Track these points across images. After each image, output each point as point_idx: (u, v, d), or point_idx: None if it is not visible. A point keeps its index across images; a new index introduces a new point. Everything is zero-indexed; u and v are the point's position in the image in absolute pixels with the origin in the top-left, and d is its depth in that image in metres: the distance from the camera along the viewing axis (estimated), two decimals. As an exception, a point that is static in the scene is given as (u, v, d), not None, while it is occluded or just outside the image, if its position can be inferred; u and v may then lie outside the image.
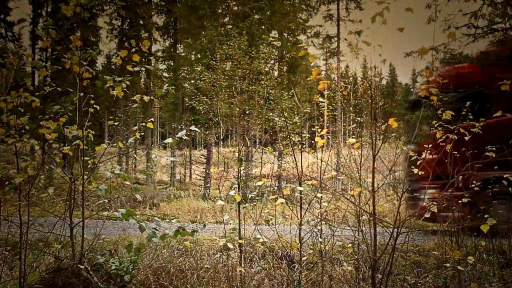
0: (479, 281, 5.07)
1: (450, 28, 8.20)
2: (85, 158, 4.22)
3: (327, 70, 29.38)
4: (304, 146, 16.25)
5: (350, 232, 4.82)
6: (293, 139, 10.01)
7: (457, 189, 3.82)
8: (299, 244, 4.59)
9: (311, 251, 5.02)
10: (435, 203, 3.72)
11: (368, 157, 5.50)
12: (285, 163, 16.88)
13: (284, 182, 17.41)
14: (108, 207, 9.94)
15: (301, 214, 4.60)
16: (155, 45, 25.47)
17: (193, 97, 15.92)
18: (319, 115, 22.88)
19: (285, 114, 14.44)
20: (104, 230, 6.71)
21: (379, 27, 3.12)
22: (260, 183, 4.49)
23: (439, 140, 3.79)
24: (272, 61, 19.24)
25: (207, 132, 18.10)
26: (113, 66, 28.07)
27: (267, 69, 17.08)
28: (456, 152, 4.17)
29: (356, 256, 5.12)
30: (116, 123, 24.79)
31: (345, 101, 16.00)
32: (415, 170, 3.62)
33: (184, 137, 4.17)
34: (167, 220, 9.16)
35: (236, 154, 17.24)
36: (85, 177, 4.06)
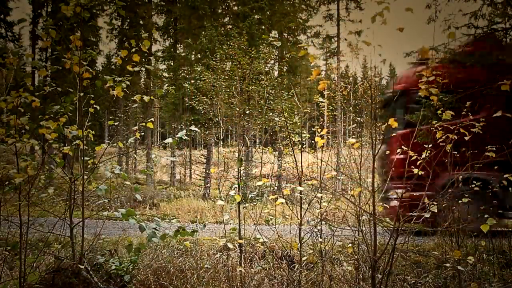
0: (479, 281, 5.07)
1: (450, 28, 8.19)
2: (85, 158, 4.22)
3: (327, 70, 29.37)
4: (304, 146, 16.25)
5: (350, 232, 4.82)
6: (293, 139, 10.00)
7: (427, 189, 3.86)
8: (299, 244, 4.59)
9: (311, 251, 5.02)
10: (435, 203, 3.73)
11: (368, 157, 5.50)
12: (285, 163, 16.88)
13: (284, 182, 17.41)
14: (108, 207, 9.93)
15: (301, 214, 4.60)
16: (155, 45, 25.49)
17: (193, 97, 15.91)
18: (319, 115, 22.88)
19: (285, 114, 14.44)
20: (104, 230, 6.71)
21: (379, 27, 3.13)
22: (260, 183, 4.49)
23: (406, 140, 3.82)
24: (272, 61, 19.24)
25: (207, 132, 18.10)
26: (113, 66, 28.06)
27: (267, 69, 17.08)
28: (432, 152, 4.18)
29: (356, 256, 5.12)
30: (116, 123, 24.79)
31: (345, 101, 16.00)
32: (415, 170, 3.61)
33: (184, 137, 4.18)
34: (167, 220, 9.16)
35: (236, 154, 17.23)
36: (85, 177, 4.06)
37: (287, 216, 9.47)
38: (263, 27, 18.62)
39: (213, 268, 5.48)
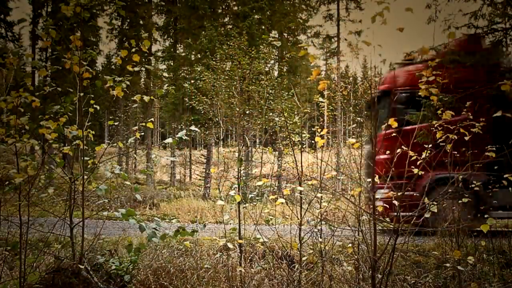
0: (479, 281, 5.07)
1: (450, 28, 8.19)
2: (85, 158, 4.22)
3: (327, 70, 29.40)
4: (304, 146, 16.25)
5: (350, 232, 4.82)
6: (293, 139, 10.01)
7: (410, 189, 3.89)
8: (299, 244, 4.59)
9: (311, 251, 5.02)
10: (435, 203, 3.72)
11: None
12: (285, 163, 16.88)
13: (284, 182, 17.41)
14: (108, 207, 9.92)
15: (301, 214, 4.60)
16: (155, 45, 25.50)
17: (193, 97, 15.91)
18: (319, 115, 22.89)
19: (285, 114, 14.44)
20: (104, 230, 6.71)
21: (379, 27, 3.13)
22: (260, 183, 4.49)
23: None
24: (272, 61, 19.25)
25: (207, 132, 18.10)
26: (113, 66, 28.05)
27: (267, 69, 17.09)
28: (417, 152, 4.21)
29: (356, 256, 5.12)
30: (116, 123, 24.78)
31: (345, 101, 16.01)
32: (415, 170, 3.61)
33: (184, 137, 4.18)
34: (167, 220, 9.17)
35: (236, 154, 17.23)
36: (85, 177, 4.06)
37: (287, 216, 9.47)
38: (263, 27, 18.62)
39: (213, 268, 5.48)
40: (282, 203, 4.01)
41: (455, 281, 4.98)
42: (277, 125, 14.35)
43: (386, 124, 3.77)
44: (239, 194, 4.19)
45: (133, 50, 4.13)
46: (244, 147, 16.08)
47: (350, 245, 4.50)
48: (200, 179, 22.13)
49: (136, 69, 4.30)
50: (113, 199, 12.44)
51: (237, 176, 5.15)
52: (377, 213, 3.98)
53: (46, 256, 5.46)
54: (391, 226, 3.60)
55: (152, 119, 4.53)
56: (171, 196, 15.71)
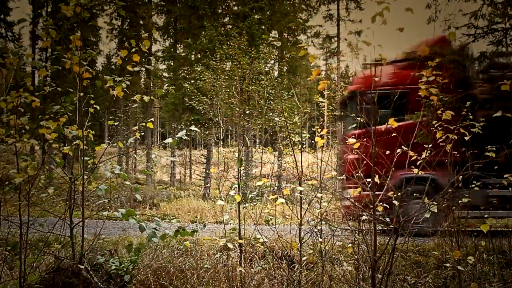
0: (479, 281, 5.07)
1: (450, 28, 8.20)
2: (85, 158, 4.22)
3: (327, 70, 29.42)
4: (304, 146, 16.25)
5: (350, 232, 4.82)
6: (293, 139, 10.01)
7: (378, 189, 3.93)
8: (299, 244, 4.59)
9: (311, 251, 5.02)
10: (435, 203, 3.73)
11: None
12: (285, 163, 16.87)
13: (284, 182, 17.41)
14: (108, 207, 9.93)
15: (301, 214, 4.60)
16: (155, 45, 25.51)
17: (193, 97, 15.91)
18: (319, 115, 22.88)
19: (285, 114, 14.44)
20: (104, 230, 6.71)
21: (379, 27, 3.13)
22: (260, 183, 4.49)
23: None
24: (272, 61, 19.25)
25: (207, 132, 18.10)
26: (113, 66, 28.09)
27: (267, 69, 17.08)
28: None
29: (356, 256, 5.12)
30: (116, 123, 24.79)
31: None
32: (415, 170, 3.61)
33: (184, 137, 4.17)
34: (167, 220, 9.18)
35: (236, 154, 17.23)
36: (85, 177, 4.06)
37: (287, 216, 9.47)
38: (263, 27, 18.62)
39: (213, 268, 5.48)
40: (282, 203, 4.01)
41: (455, 281, 4.97)
42: (277, 125, 14.35)
43: (354, 124, 3.81)
44: (239, 194, 4.19)
45: (133, 50, 4.13)
46: (244, 147, 16.08)
47: (350, 245, 4.50)
48: (200, 179, 22.14)
49: (136, 69, 4.30)
50: (113, 199, 12.44)
51: (237, 176, 5.15)
52: (345, 212, 4.02)
53: (46, 256, 5.46)
54: (391, 226, 3.60)
55: (152, 119, 4.53)
56: (171, 196, 15.71)
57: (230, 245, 4.25)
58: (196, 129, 4.95)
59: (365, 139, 3.83)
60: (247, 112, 14.81)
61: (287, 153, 14.15)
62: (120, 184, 10.97)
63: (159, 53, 24.37)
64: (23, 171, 3.89)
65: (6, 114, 3.99)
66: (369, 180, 3.56)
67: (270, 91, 14.76)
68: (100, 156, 4.44)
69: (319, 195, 4.72)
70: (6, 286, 4.76)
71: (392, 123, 3.47)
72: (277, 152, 18.13)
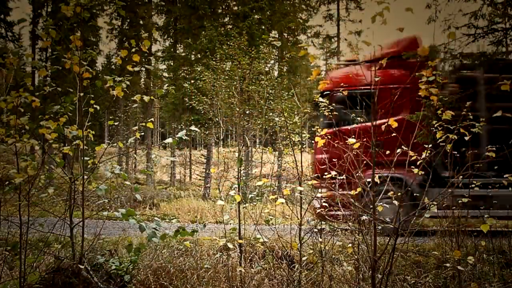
0: (479, 281, 5.06)
1: (450, 28, 8.20)
2: (85, 158, 4.22)
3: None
4: (304, 146, 16.25)
5: (350, 232, 4.82)
6: (293, 139, 10.01)
7: (347, 188, 3.95)
8: (299, 244, 4.59)
9: (311, 251, 5.02)
10: (435, 202, 3.72)
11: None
12: (285, 163, 16.87)
13: (284, 182, 17.41)
14: (108, 207, 9.93)
15: (301, 214, 4.60)
16: (155, 45, 25.52)
17: (193, 97, 15.91)
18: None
19: (285, 114, 14.44)
20: (104, 230, 6.71)
21: (379, 27, 3.13)
22: (260, 183, 4.49)
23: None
24: (272, 61, 19.25)
25: (207, 132, 18.10)
26: (113, 66, 28.08)
27: (267, 69, 17.08)
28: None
29: (356, 256, 5.12)
30: (116, 123, 24.78)
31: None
32: (417, 170, 3.61)
33: (184, 137, 4.17)
34: (167, 220, 9.17)
35: (236, 154, 17.23)
36: (85, 177, 4.06)
37: (287, 216, 9.47)
38: (263, 27, 18.62)
39: (213, 268, 5.48)
40: (282, 203, 4.01)
41: (455, 281, 4.97)
42: (277, 125, 14.34)
43: (324, 123, 3.86)
44: (239, 194, 4.19)
45: (133, 50, 4.13)
46: (244, 147, 16.07)
47: (350, 245, 4.50)
48: (200, 179, 22.14)
49: (136, 69, 4.30)
50: (113, 199, 12.44)
51: (237, 176, 5.15)
52: (316, 211, 4.05)
53: (46, 256, 5.46)
54: (391, 226, 3.60)
55: (152, 119, 4.53)
56: (171, 196, 15.71)
57: (230, 245, 4.25)
58: (196, 129, 4.95)
59: (334, 139, 3.87)
60: (247, 112, 14.81)
61: (287, 153, 14.16)
62: (120, 184, 10.96)
63: (159, 53, 24.39)
64: (23, 171, 3.89)
65: (6, 114, 3.99)
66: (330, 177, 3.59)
67: (270, 91, 14.76)
68: (100, 156, 4.44)
69: (319, 195, 4.71)
70: (6, 286, 4.76)
71: (392, 123, 3.47)
72: (277, 152, 18.13)
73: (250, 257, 6.22)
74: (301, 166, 4.67)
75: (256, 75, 14.71)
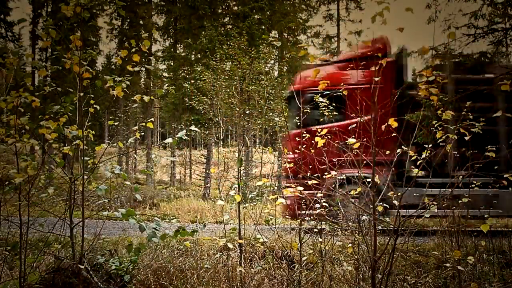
0: (479, 281, 5.06)
1: (450, 28, 8.22)
2: (85, 158, 4.22)
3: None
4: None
5: (350, 232, 4.82)
6: (293, 139, 10.00)
7: (314, 188, 3.99)
8: (299, 244, 4.59)
9: (311, 251, 5.02)
10: (435, 202, 3.72)
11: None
12: (285, 163, 16.85)
13: (284, 182, 17.39)
14: (108, 207, 9.93)
15: (301, 214, 4.60)
16: (155, 45, 25.52)
17: (193, 97, 15.91)
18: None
19: (285, 114, 14.43)
20: (104, 230, 6.71)
21: (379, 27, 3.14)
22: (260, 183, 4.49)
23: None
24: (272, 61, 19.24)
25: (207, 132, 18.10)
26: (113, 66, 28.10)
27: (267, 69, 17.08)
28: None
29: (356, 256, 5.12)
30: (116, 123, 24.79)
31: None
32: (416, 170, 3.61)
33: (184, 137, 4.17)
34: (167, 220, 9.17)
35: (236, 154, 17.23)
36: (85, 177, 4.05)
37: (287, 216, 9.46)
38: (263, 27, 18.62)
39: (213, 268, 5.48)
40: (282, 203, 4.01)
41: (455, 281, 4.97)
42: (277, 125, 14.35)
43: (295, 124, 3.91)
44: (239, 194, 4.19)
45: (133, 50, 4.12)
46: (244, 147, 16.07)
47: (350, 245, 4.50)
48: (200, 179, 22.15)
49: (136, 69, 4.30)
50: (113, 199, 12.45)
51: (237, 176, 5.15)
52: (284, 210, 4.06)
53: (46, 256, 5.46)
54: (391, 226, 3.60)
55: (152, 119, 4.53)
56: (171, 196, 15.71)
57: (230, 245, 4.25)
58: (196, 129, 4.96)
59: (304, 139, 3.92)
60: (247, 112, 14.81)
61: (287, 153, 14.16)
62: (120, 184, 10.97)
63: (159, 53, 24.39)
64: (23, 171, 3.89)
65: (6, 114, 3.99)
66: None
67: (270, 91, 14.76)
68: (100, 156, 4.44)
69: (319, 195, 4.71)
70: (6, 286, 4.76)
71: (392, 123, 3.47)
72: (277, 152, 18.13)
73: (250, 257, 6.21)
74: (301, 166, 4.67)
75: (256, 75, 14.71)
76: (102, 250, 6.40)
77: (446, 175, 4.03)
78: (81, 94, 4.13)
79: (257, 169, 17.79)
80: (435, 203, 3.59)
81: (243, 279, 4.93)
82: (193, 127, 4.90)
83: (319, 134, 3.90)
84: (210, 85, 14.76)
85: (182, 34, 20.67)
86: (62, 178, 4.51)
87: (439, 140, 3.89)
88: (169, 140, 4.41)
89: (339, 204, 4.64)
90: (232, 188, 4.46)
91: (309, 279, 5.26)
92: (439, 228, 6.77)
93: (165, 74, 23.46)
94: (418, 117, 4.64)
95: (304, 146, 4.04)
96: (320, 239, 4.91)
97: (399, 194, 3.58)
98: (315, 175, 4.14)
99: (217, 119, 14.82)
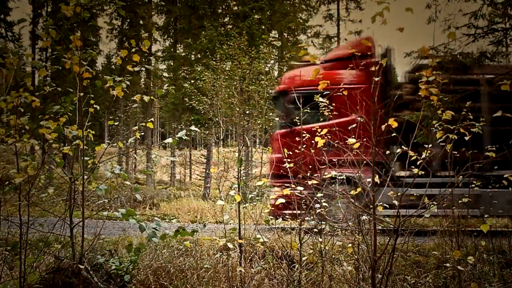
0: (479, 281, 5.06)
1: (450, 28, 8.21)
2: (85, 158, 4.22)
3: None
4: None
5: (350, 232, 4.82)
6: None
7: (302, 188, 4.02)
8: (299, 244, 4.59)
9: (311, 251, 5.02)
10: (435, 202, 3.72)
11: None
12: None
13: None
14: (108, 207, 9.93)
15: (301, 214, 4.60)
16: (155, 45, 25.51)
17: (193, 97, 15.91)
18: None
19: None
20: (104, 230, 6.71)
21: (379, 27, 3.14)
22: (260, 183, 4.49)
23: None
24: (272, 61, 19.25)
25: (207, 132, 18.10)
26: (113, 66, 28.09)
27: (267, 69, 17.08)
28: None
29: (356, 256, 5.12)
30: (116, 123, 24.79)
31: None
32: (416, 170, 3.61)
33: (184, 137, 4.17)
34: (167, 220, 9.17)
35: (236, 154, 17.24)
36: (85, 177, 4.05)
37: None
38: (263, 27, 18.62)
39: (213, 268, 5.48)
40: (282, 203, 4.01)
41: (455, 281, 4.97)
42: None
43: (280, 123, 3.92)
44: (239, 194, 4.19)
45: (133, 50, 4.12)
46: (244, 147, 16.07)
47: (350, 245, 4.50)
48: (200, 179, 22.14)
49: (136, 69, 4.30)
50: (113, 199, 12.45)
51: (237, 176, 5.15)
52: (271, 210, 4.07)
53: (46, 256, 5.46)
54: (391, 226, 3.60)
55: (152, 119, 4.53)
56: (171, 196, 15.71)
57: (230, 245, 4.25)
58: (196, 129, 4.96)
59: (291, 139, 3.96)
60: (247, 112, 14.81)
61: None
62: (120, 184, 10.98)
63: (159, 53, 24.39)
64: (23, 171, 3.89)
65: (6, 114, 3.99)
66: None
67: (270, 91, 14.77)
68: (100, 156, 4.43)
69: (319, 195, 4.71)
70: (6, 286, 4.76)
71: (392, 123, 3.46)
72: (277, 152, 18.10)
73: (250, 257, 6.22)
74: (301, 166, 4.67)
75: (256, 75, 14.71)
76: (102, 250, 6.40)
77: (427, 175, 4.06)
78: (81, 94, 4.13)
79: (257, 169, 17.78)
80: (435, 203, 3.59)
81: (243, 279, 4.93)
82: (193, 127, 4.90)
83: (304, 135, 3.92)
84: (210, 85, 14.76)
85: (182, 34, 20.67)
86: (62, 178, 4.51)
87: (423, 141, 3.90)
88: (169, 140, 4.41)
89: (325, 203, 4.66)
90: (232, 188, 4.46)
91: (309, 279, 5.26)
92: (439, 228, 6.77)
93: (165, 74, 23.46)
94: (418, 117, 4.63)
95: (289, 146, 4.08)
96: (320, 239, 4.91)
97: (399, 194, 3.58)
98: (300, 175, 4.17)
99: (217, 119, 14.82)
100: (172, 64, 21.39)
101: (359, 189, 3.90)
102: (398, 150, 3.80)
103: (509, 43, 9.02)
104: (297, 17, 21.23)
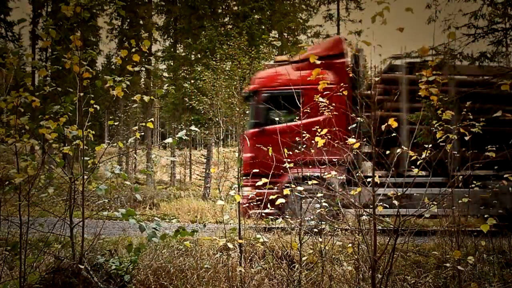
0: (479, 281, 5.06)
1: (450, 28, 8.20)
2: (85, 158, 4.22)
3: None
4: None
5: (350, 232, 4.81)
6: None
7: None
8: (299, 244, 4.59)
9: (311, 251, 5.02)
10: (435, 202, 3.72)
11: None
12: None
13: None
14: (108, 207, 9.93)
15: (301, 214, 4.60)
16: (155, 45, 25.51)
17: (193, 97, 15.91)
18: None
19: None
20: (104, 230, 6.71)
21: (379, 27, 3.13)
22: (260, 183, 4.49)
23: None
24: (272, 61, 19.24)
25: (207, 132, 18.09)
26: (113, 66, 28.10)
27: (267, 69, 17.08)
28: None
29: (356, 256, 5.11)
30: (116, 123, 24.79)
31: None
32: (415, 170, 3.61)
33: (184, 137, 4.18)
34: (167, 220, 9.18)
35: (236, 154, 17.22)
36: (85, 177, 4.05)
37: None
38: (263, 27, 18.62)
39: (213, 268, 5.48)
40: (282, 203, 4.01)
41: (455, 281, 4.97)
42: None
43: (251, 123, 3.97)
44: (239, 194, 4.20)
45: (133, 50, 4.12)
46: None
47: (350, 245, 4.50)
48: (200, 179, 22.15)
49: (136, 69, 4.30)
50: (113, 199, 12.45)
51: (237, 176, 5.16)
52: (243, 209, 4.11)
53: (46, 256, 5.46)
54: (391, 226, 3.60)
55: (152, 119, 4.53)
56: (171, 196, 15.71)
57: (230, 245, 4.25)
58: (196, 129, 4.96)
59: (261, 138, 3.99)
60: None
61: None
62: (120, 184, 10.97)
63: (159, 53, 24.39)
64: (23, 171, 3.89)
65: (6, 114, 3.99)
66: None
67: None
68: (100, 156, 4.43)
69: (319, 195, 4.71)
70: (6, 286, 4.76)
71: (392, 123, 3.47)
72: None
73: (250, 257, 6.21)
74: (301, 166, 4.67)
75: (256, 75, 14.70)
76: (102, 250, 6.40)
77: (401, 175, 4.07)
78: (81, 94, 4.13)
79: (257, 169, 17.78)
80: (435, 202, 3.59)
81: (243, 279, 4.93)
82: (193, 127, 4.90)
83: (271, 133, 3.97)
84: (210, 85, 14.76)
85: (182, 34, 20.66)
86: (62, 178, 4.51)
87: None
88: (169, 140, 4.41)
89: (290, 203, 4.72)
90: (232, 188, 4.46)
91: (309, 279, 5.26)
92: (439, 228, 6.77)
93: (165, 74, 23.46)
94: (418, 117, 4.63)
95: (259, 145, 4.10)
96: (320, 239, 4.91)
97: (399, 194, 3.58)
98: (270, 173, 4.22)
99: (217, 119, 14.82)
100: (172, 64, 21.39)
101: (359, 189, 3.90)
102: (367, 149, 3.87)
103: (509, 43, 9.01)
104: (297, 17, 21.23)
